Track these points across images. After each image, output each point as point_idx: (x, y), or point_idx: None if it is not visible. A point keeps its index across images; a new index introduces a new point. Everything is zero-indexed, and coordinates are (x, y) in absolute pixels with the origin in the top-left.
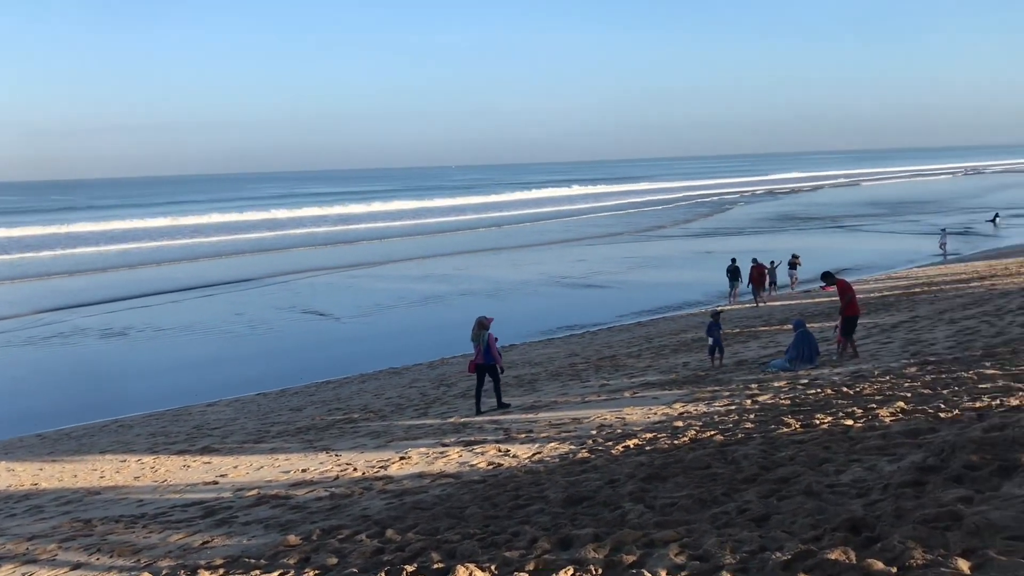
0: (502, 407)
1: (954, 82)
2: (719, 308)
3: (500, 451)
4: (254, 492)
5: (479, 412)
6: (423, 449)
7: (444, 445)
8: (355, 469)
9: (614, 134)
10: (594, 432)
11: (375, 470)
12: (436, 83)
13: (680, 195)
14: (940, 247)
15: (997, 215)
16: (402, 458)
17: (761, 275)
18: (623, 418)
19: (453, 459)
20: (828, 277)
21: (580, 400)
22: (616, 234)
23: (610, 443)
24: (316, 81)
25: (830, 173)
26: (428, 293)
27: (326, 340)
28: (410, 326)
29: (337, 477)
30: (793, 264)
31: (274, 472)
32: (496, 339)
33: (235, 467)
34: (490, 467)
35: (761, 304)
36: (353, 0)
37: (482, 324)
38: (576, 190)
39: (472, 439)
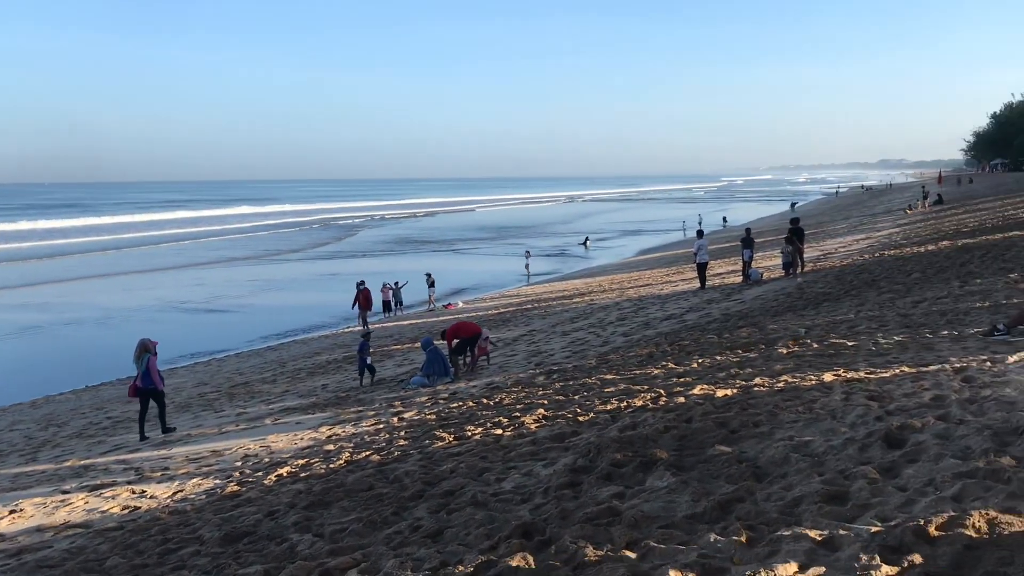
0: (167, 431)
1: (561, 122)
2: (369, 328)
3: (135, 493)
4: None
5: (143, 438)
6: (38, 499)
7: (65, 492)
8: None
9: (239, 154)
10: (239, 463)
11: None
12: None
13: (311, 218)
14: (525, 268)
15: (587, 238)
16: (13, 512)
17: (368, 298)
18: (268, 446)
19: (79, 507)
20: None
21: (217, 431)
22: (242, 257)
23: (260, 473)
24: None
25: (447, 199)
26: (24, 324)
27: None
28: (2, 362)
29: None
30: (430, 282)
31: None
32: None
33: None
34: (126, 512)
35: (369, 328)
36: None
37: (145, 347)
38: (202, 212)
39: (99, 483)
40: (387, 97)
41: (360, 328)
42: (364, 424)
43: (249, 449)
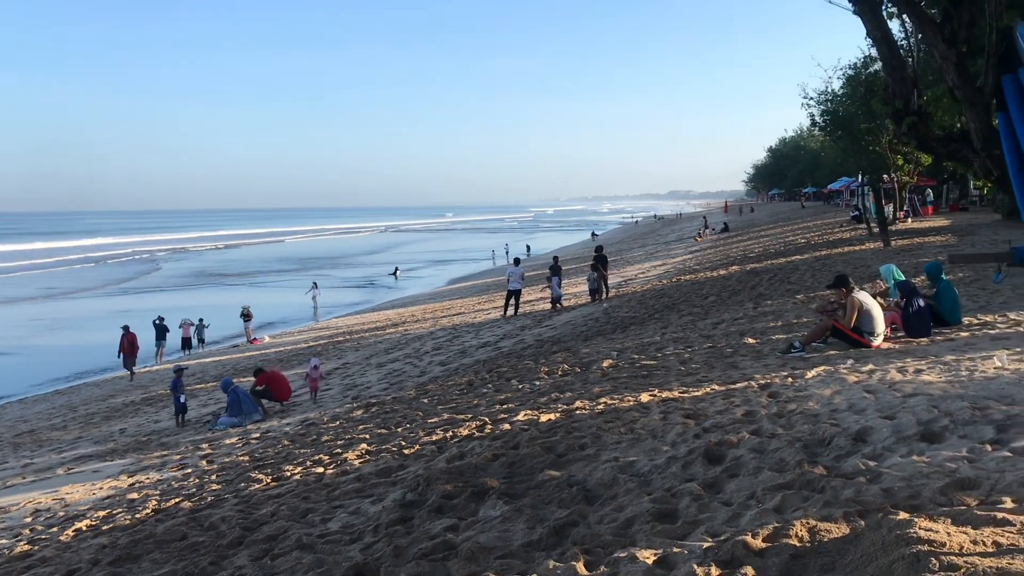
0: None
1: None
2: (182, 364)
3: None
4: None
5: None
6: None
7: None
8: None
9: (31, 184)
10: (29, 520)
11: None
12: None
13: (110, 252)
14: (312, 299)
15: (397, 268)
16: None
17: (133, 344)
18: (62, 499)
19: None
20: (258, 372)
21: (0, 486)
22: (25, 297)
23: (55, 529)
24: None
25: (257, 231)
26: None
27: None
28: None
29: None
30: (246, 316)
31: None
32: None
33: None
34: None
35: (182, 364)
36: None
37: None
38: None
39: None
40: (198, 126)
41: (129, 373)
42: (170, 469)
43: (40, 503)
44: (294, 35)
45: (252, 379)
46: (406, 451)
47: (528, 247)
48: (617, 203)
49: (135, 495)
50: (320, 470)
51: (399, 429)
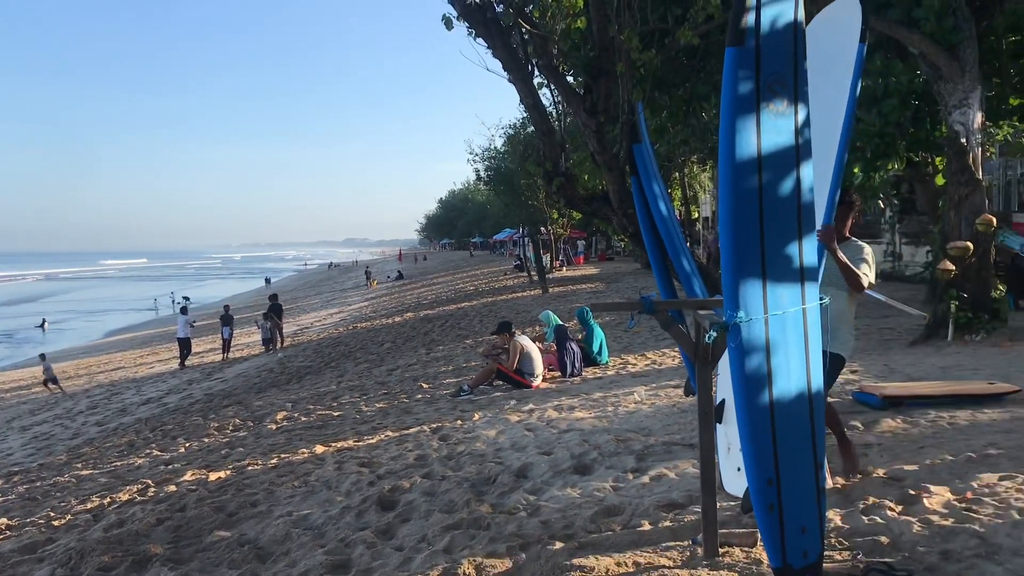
0: None
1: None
2: None
3: None
4: None
5: None
6: None
7: None
8: None
9: None
10: None
11: None
12: None
13: None
14: None
15: (45, 320)
16: None
17: None
18: None
19: None
20: None
21: None
22: None
23: None
24: None
25: None
26: None
27: None
28: None
29: None
30: None
31: None
32: None
33: None
34: None
35: None
36: None
37: None
38: None
39: None
40: None
41: None
42: None
43: None
44: None
45: None
46: (56, 523)
47: (186, 298)
48: (297, 249)
49: None
50: None
51: (48, 499)
